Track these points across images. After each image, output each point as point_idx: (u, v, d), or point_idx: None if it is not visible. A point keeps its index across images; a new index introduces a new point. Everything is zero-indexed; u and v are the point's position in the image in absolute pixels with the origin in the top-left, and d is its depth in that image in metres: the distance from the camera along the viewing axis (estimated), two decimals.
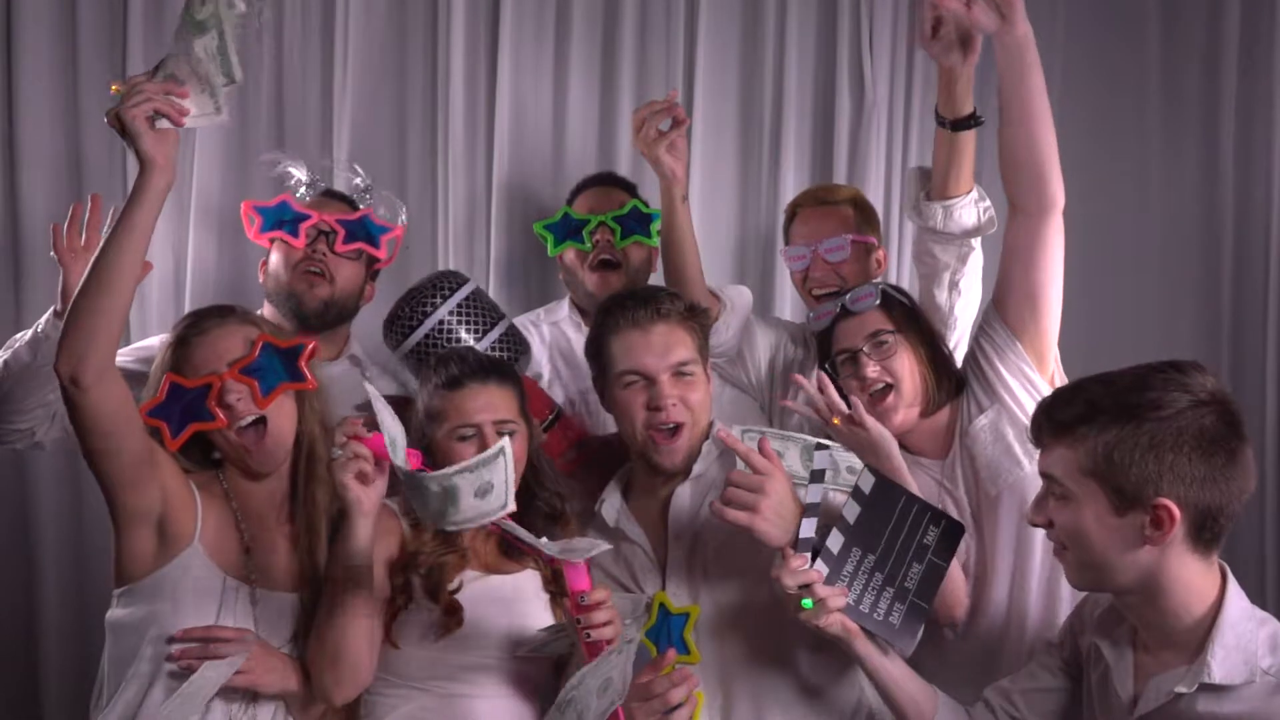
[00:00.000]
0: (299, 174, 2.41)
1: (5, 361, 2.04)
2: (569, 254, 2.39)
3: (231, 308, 1.78)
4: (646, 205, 2.39)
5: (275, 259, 2.19)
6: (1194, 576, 1.45)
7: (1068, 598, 1.90)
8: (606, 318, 1.93)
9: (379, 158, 2.80)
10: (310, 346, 1.70)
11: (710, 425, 1.94)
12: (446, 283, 2.16)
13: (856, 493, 1.71)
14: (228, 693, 1.64)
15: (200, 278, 2.62)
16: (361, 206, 2.34)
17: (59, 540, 2.63)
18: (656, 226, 2.33)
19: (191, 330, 1.71)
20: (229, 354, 1.67)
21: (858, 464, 1.83)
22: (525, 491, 1.84)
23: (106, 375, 1.55)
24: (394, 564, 1.75)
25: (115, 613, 1.67)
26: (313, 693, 1.68)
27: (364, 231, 2.20)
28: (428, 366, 1.92)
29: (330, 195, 2.33)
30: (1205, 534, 1.44)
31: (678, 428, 1.86)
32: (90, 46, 2.67)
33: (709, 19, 2.88)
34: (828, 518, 1.73)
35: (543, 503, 1.87)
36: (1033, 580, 1.92)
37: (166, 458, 1.66)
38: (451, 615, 1.71)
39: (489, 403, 1.82)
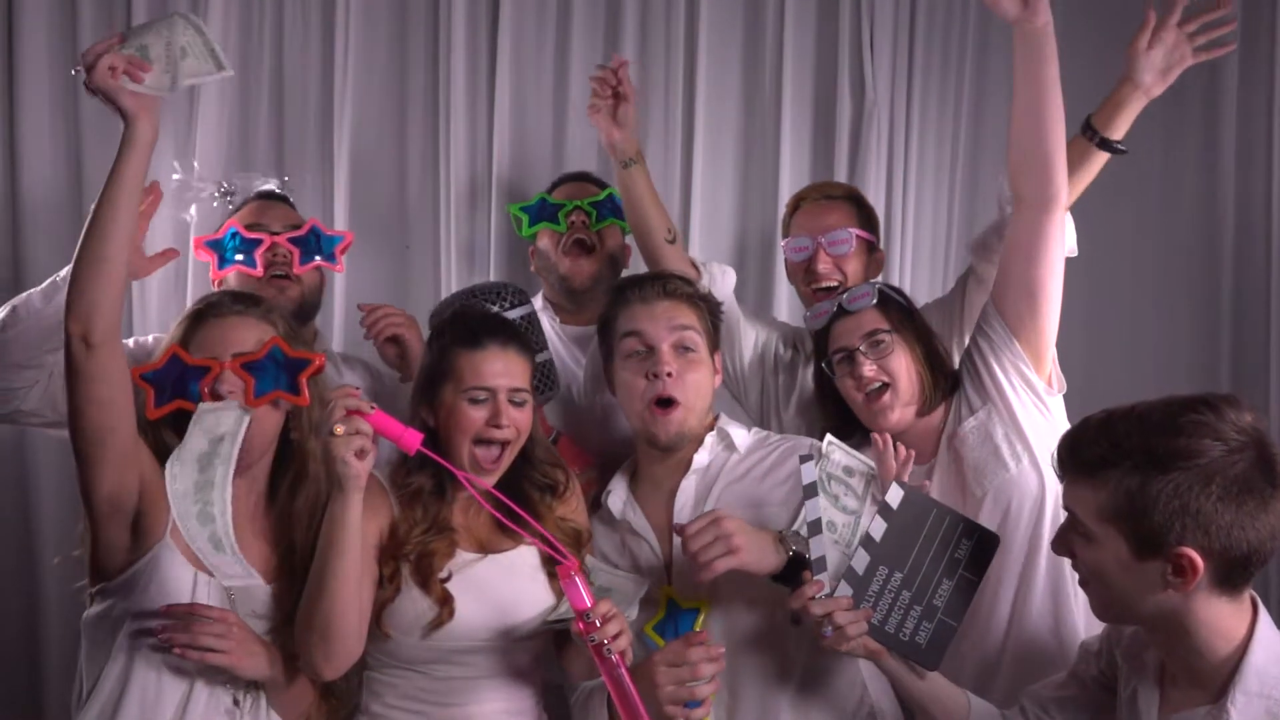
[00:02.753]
0: (211, 189, 2.43)
1: (14, 307, 1.99)
2: (543, 239, 2.39)
3: (257, 299, 1.78)
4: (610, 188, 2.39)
5: (233, 276, 2.19)
6: (1220, 617, 1.40)
7: (1041, 603, 1.90)
8: (617, 296, 1.94)
9: (380, 155, 2.81)
10: (316, 363, 1.68)
11: (716, 418, 1.95)
12: (514, 293, 2.16)
13: (884, 509, 1.68)
14: (209, 674, 1.63)
15: (202, 278, 2.61)
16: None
17: (60, 539, 2.61)
18: (607, 193, 2.35)
19: (210, 310, 1.71)
20: (237, 345, 1.66)
21: (858, 465, 1.83)
22: (520, 464, 1.81)
23: (113, 338, 1.54)
24: (383, 551, 1.72)
25: (90, 612, 1.66)
26: (292, 676, 1.67)
27: (316, 246, 2.21)
28: (438, 324, 1.88)
29: (266, 197, 2.31)
30: (1234, 578, 1.38)
31: (673, 402, 1.85)
32: (90, 43, 2.67)
33: (709, 19, 2.88)
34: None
35: (539, 474, 1.83)
36: (1011, 585, 1.90)
37: (148, 451, 1.64)
38: (443, 606, 1.69)
39: (508, 368, 1.77)
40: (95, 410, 1.54)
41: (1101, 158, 2.06)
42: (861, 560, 1.67)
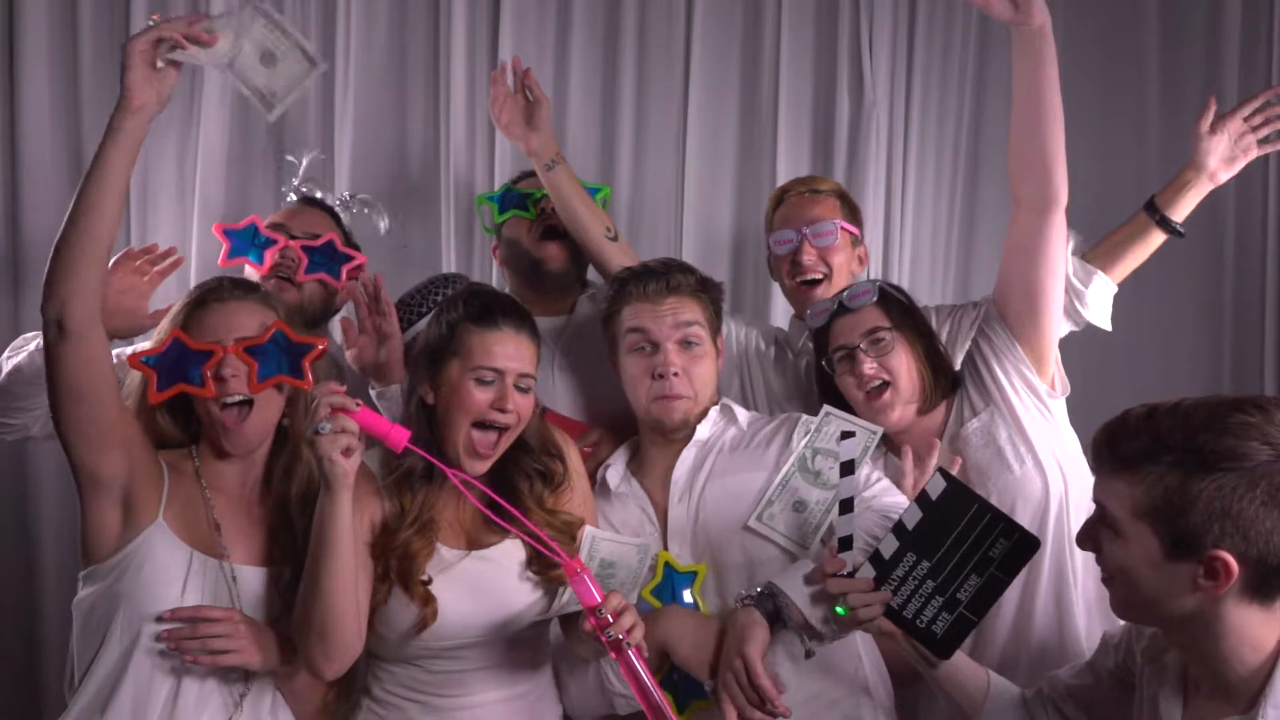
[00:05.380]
0: (301, 165, 2.46)
1: (18, 365, 2.03)
2: (511, 228, 2.36)
3: (257, 286, 1.77)
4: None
5: (249, 267, 2.22)
6: (1250, 626, 1.34)
7: (1045, 605, 1.91)
8: (620, 289, 1.94)
9: (381, 155, 2.81)
10: (319, 348, 1.68)
11: (718, 401, 1.97)
12: (457, 280, 2.17)
13: (922, 498, 1.67)
14: (222, 673, 1.63)
15: (205, 276, 2.62)
16: (343, 215, 2.37)
17: (59, 534, 2.63)
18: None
19: (213, 295, 1.70)
20: (240, 329, 1.66)
21: (859, 431, 1.83)
22: (514, 451, 1.78)
23: (91, 325, 1.53)
24: (373, 547, 1.70)
25: (81, 594, 1.64)
26: (300, 668, 1.67)
27: (325, 261, 2.22)
28: (443, 296, 1.85)
29: (308, 203, 2.33)
30: (1268, 588, 1.32)
31: (679, 400, 1.87)
32: (91, 47, 2.68)
33: (708, 19, 2.88)
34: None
35: (533, 461, 1.80)
36: (1015, 588, 1.88)
37: (138, 431, 1.64)
38: (425, 607, 1.67)
39: (519, 352, 1.74)
40: (69, 393, 1.55)
41: (1159, 237, 2.09)
42: (890, 545, 1.66)
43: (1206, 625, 1.35)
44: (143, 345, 2.20)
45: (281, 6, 2.76)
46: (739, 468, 1.87)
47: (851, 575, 1.66)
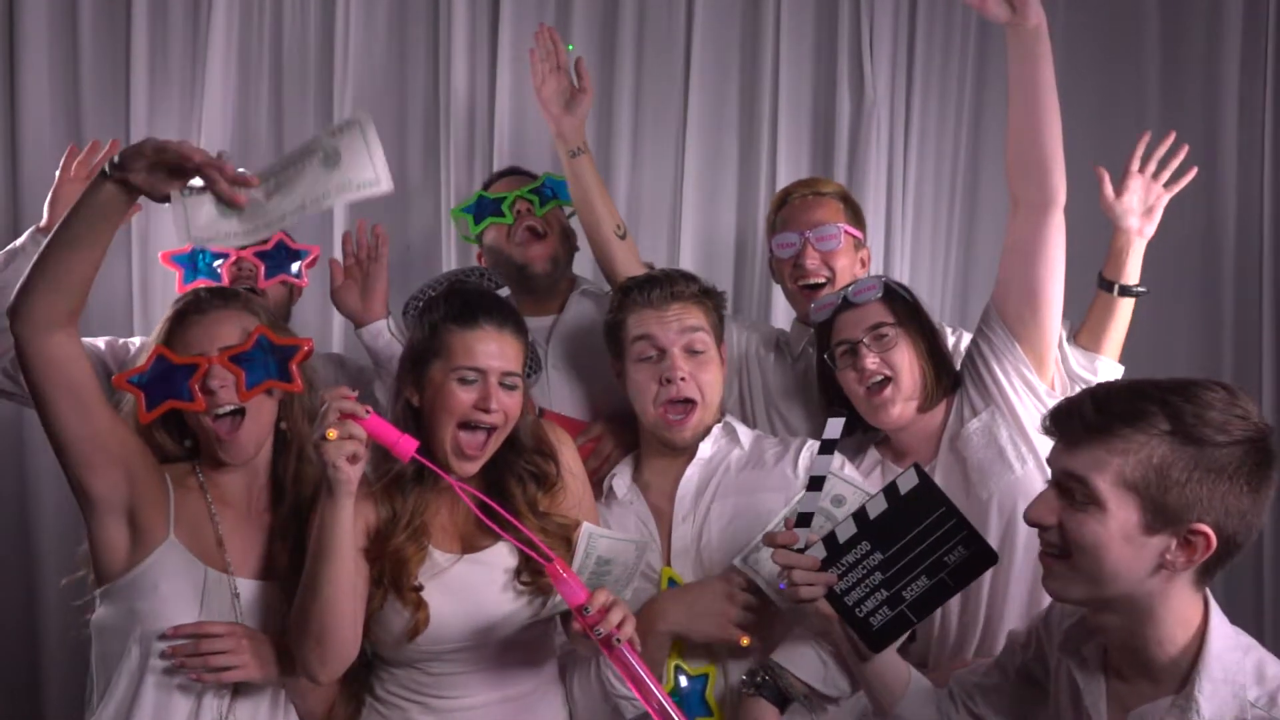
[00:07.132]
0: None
1: None
2: (490, 235, 2.36)
3: (237, 293, 1.76)
4: (559, 176, 2.39)
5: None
6: (1185, 606, 1.36)
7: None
8: (624, 299, 1.95)
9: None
10: (305, 349, 1.68)
11: (724, 412, 1.97)
12: (494, 275, 2.17)
13: (890, 490, 1.64)
14: (213, 688, 1.62)
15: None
16: None
17: (60, 539, 2.63)
18: None
19: (192, 307, 1.68)
20: (223, 339, 1.64)
21: (850, 493, 1.82)
22: (506, 453, 1.76)
23: (52, 336, 1.50)
24: (368, 551, 1.68)
25: (99, 614, 1.64)
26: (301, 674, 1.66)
27: (281, 261, 2.25)
28: (429, 298, 1.84)
29: None
30: (1216, 567, 1.34)
31: (689, 405, 1.88)
32: (91, 46, 2.68)
33: (709, 19, 2.89)
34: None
35: (525, 462, 1.77)
36: (1022, 589, 1.90)
37: (137, 447, 1.63)
38: (417, 611, 1.66)
39: (502, 350, 1.71)
40: (38, 403, 1.53)
41: (1127, 304, 2.11)
42: (847, 529, 1.64)
43: (1149, 604, 1.35)
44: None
45: (281, 6, 2.76)
46: (747, 488, 1.88)
47: (803, 552, 1.65)
